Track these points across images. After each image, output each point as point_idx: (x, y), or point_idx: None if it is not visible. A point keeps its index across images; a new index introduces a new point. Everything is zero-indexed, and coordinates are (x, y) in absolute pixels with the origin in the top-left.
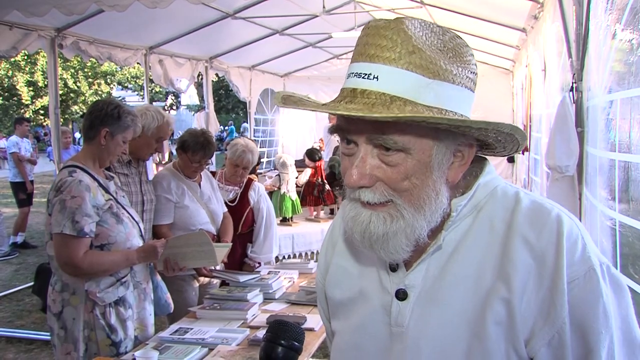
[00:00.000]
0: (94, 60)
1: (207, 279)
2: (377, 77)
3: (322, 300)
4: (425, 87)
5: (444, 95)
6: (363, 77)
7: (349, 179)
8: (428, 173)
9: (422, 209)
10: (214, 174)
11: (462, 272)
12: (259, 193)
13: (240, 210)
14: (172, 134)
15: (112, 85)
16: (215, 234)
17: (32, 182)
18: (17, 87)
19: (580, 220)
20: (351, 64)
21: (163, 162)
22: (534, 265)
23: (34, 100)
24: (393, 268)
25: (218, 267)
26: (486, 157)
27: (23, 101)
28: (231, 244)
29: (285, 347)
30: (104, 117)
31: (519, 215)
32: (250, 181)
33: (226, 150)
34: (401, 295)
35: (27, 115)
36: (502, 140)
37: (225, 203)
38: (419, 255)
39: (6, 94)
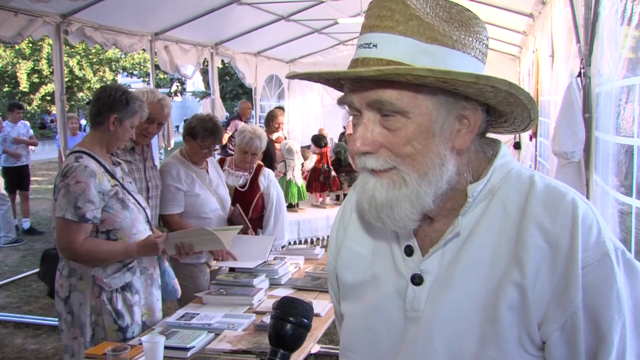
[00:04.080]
0: (98, 47)
1: (217, 265)
2: (375, 45)
3: (332, 282)
4: (421, 52)
5: (442, 59)
6: (365, 47)
7: (352, 145)
8: (430, 138)
9: (426, 175)
10: (223, 160)
11: (476, 257)
12: (268, 179)
13: (250, 196)
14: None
15: (116, 72)
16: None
17: (26, 166)
18: (18, 74)
19: None
20: (359, 37)
21: (168, 149)
22: (548, 249)
23: (39, 88)
24: (409, 253)
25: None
26: (499, 139)
27: (21, 88)
28: (241, 226)
29: (294, 324)
30: (112, 103)
31: (533, 199)
32: (260, 167)
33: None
34: (417, 280)
35: (34, 102)
36: (507, 103)
37: (236, 189)
38: (435, 240)
39: (13, 81)
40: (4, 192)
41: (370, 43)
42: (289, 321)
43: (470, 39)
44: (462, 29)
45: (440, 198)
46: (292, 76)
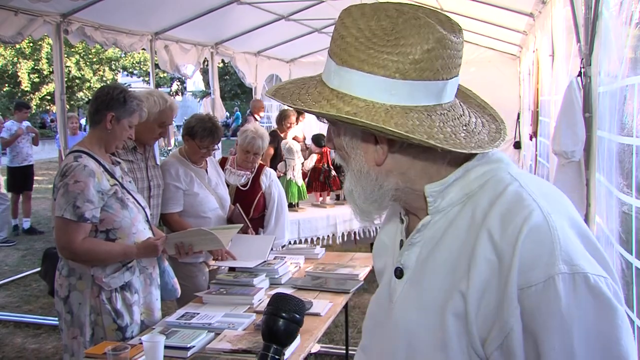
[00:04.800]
0: (98, 46)
1: (217, 265)
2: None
3: None
4: (334, 72)
5: (348, 80)
6: None
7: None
8: (350, 150)
9: (355, 179)
10: (225, 159)
11: (442, 260)
12: (270, 178)
13: (251, 195)
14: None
15: (116, 72)
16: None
17: (32, 166)
18: (19, 74)
19: (589, 205)
20: None
21: (168, 148)
22: (497, 263)
23: (39, 87)
24: (401, 246)
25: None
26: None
27: (23, 88)
28: (240, 225)
29: (286, 320)
30: (110, 101)
31: (494, 208)
32: (261, 166)
33: (232, 137)
34: (398, 273)
35: (33, 102)
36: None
37: (237, 188)
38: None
39: (12, 80)
40: (4, 191)
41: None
42: (281, 317)
43: (387, 55)
44: (385, 46)
45: (399, 199)
46: (271, 94)
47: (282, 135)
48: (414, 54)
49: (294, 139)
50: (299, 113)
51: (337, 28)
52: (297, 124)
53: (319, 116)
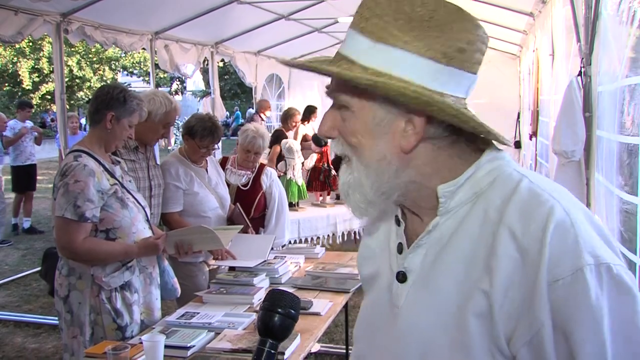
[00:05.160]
0: (98, 46)
1: (217, 264)
2: (345, 41)
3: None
4: (367, 49)
5: (387, 59)
6: (343, 42)
7: (320, 128)
8: (369, 134)
9: (368, 167)
10: (226, 159)
11: (454, 261)
12: (271, 178)
13: (252, 195)
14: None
15: (116, 71)
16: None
17: (35, 165)
18: (20, 73)
19: (588, 205)
20: None
21: (169, 148)
22: (520, 260)
23: (39, 87)
24: (399, 250)
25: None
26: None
27: (24, 87)
28: (241, 226)
29: (282, 315)
30: (110, 101)
31: (511, 205)
32: (262, 166)
33: (232, 136)
34: (401, 277)
35: (33, 101)
36: (457, 121)
37: (238, 187)
38: (415, 238)
39: (13, 80)
40: (2, 191)
41: (346, 39)
42: (277, 312)
43: (432, 40)
44: (428, 29)
45: (404, 196)
46: (285, 63)
47: (287, 134)
48: (460, 42)
49: (304, 137)
50: (311, 112)
51: (370, 6)
52: (307, 123)
53: (359, 85)
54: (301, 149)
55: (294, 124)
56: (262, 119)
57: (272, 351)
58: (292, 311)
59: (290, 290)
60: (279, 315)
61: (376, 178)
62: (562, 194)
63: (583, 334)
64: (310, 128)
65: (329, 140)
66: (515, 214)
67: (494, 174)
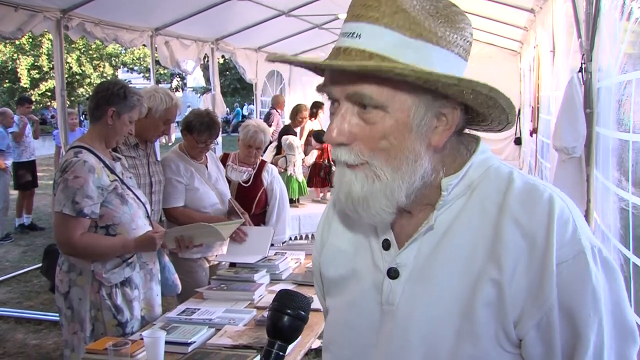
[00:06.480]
0: (99, 42)
1: (217, 260)
2: (359, 35)
3: (317, 278)
4: (405, 46)
5: (426, 56)
6: (348, 36)
7: (329, 135)
8: (407, 134)
9: (399, 170)
10: (227, 155)
11: (453, 253)
12: (272, 174)
13: (253, 191)
14: None
15: (117, 68)
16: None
17: (35, 162)
18: (18, 70)
19: (589, 202)
20: (343, 24)
21: (169, 144)
22: (525, 246)
23: (39, 84)
24: (386, 247)
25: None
26: (480, 135)
27: (22, 84)
28: (241, 220)
29: (291, 316)
30: (110, 96)
31: (510, 197)
32: (263, 163)
33: (233, 133)
34: (392, 273)
35: (33, 98)
36: (486, 106)
37: (239, 184)
38: (411, 234)
39: (12, 77)
40: (8, 189)
41: (355, 33)
42: (286, 313)
43: (455, 35)
44: (448, 25)
45: (414, 193)
46: (272, 59)
47: (295, 129)
48: (469, 37)
49: (310, 132)
50: (318, 107)
51: (389, 0)
52: (313, 119)
53: (407, 78)
54: (308, 145)
55: (301, 119)
56: (279, 115)
57: (281, 353)
58: (302, 312)
59: (291, 286)
60: (288, 316)
61: (409, 180)
62: (549, 185)
63: (586, 311)
64: (318, 123)
65: (329, 146)
66: (516, 204)
67: (484, 166)
